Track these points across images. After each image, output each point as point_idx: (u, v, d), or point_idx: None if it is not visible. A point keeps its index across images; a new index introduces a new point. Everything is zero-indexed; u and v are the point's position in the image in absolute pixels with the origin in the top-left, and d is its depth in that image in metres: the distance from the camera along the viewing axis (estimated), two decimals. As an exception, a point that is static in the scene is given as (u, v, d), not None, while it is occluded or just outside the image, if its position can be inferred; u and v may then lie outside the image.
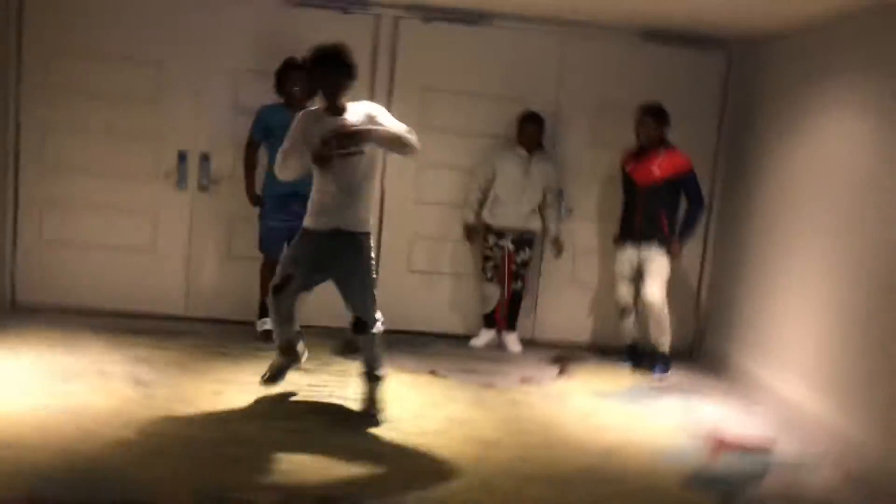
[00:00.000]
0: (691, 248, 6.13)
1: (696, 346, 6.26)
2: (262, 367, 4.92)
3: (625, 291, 5.65)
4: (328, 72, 4.09)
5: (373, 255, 4.26)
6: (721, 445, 4.35)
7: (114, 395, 4.29)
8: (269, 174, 5.18)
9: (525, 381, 5.22)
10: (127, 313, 5.77)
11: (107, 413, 4.03)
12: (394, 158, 5.24)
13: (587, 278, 6.23)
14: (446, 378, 5.11)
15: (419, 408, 4.52)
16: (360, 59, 5.73)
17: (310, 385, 4.74)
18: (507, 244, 5.79)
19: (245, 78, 5.83)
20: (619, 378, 5.47)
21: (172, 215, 5.91)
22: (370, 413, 4.29)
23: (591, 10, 5.46)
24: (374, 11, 5.85)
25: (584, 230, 6.14)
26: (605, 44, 5.98)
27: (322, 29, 5.75)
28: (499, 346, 5.97)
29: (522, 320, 6.06)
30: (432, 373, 5.18)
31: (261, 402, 4.38)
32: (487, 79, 5.95)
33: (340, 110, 4.14)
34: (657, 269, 5.44)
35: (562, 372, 5.51)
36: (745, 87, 5.92)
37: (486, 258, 5.87)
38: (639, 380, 5.46)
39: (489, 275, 5.87)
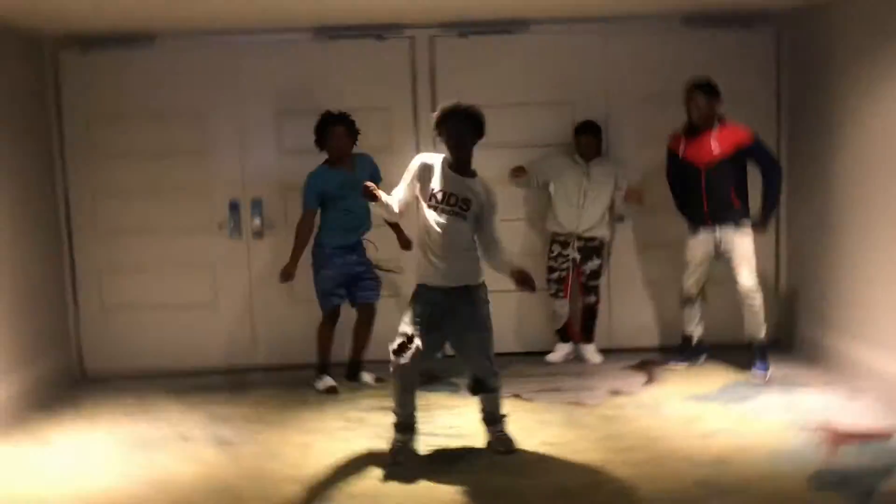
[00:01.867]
0: (765, 238, 5.90)
1: (783, 333, 5.99)
2: (346, 410, 4.82)
3: (692, 280, 5.35)
4: (463, 127, 3.87)
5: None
6: (838, 438, 4.10)
7: (200, 460, 4.16)
8: (324, 229, 5.15)
9: (614, 393, 5.01)
10: (197, 371, 5.67)
11: (197, 480, 3.90)
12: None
13: (655, 276, 6.01)
14: (532, 401, 4.92)
15: (513, 437, 4.33)
16: (400, 82, 5.73)
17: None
18: (573, 254, 5.60)
19: (287, 119, 5.75)
20: (711, 377, 5.22)
21: (230, 265, 5.83)
22: (503, 450, 4.11)
23: (628, 1, 5.27)
24: (409, 34, 5.72)
25: (645, 227, 5.93)
26: (648, 34, 5.79)
27: (358, 59, 5.72)
28: (576, 358, 5.77)
29: (598, 328, 5.85)
30: (516, 396, 4.98)
31: (354, 450, 4.21)
32: (532, 86, 5.78)
33: (469, 171, 3.97)
34: (743, 252, 5.08)
35: (650, 379, 5.29)
36: (799, 60, 5.68)
37: (550, 269, 5.67)
38: (733, 377, 5.21)
39: (553, 290, 5.66)
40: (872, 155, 4.87)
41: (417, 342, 3.87)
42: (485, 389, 4.10)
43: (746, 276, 5.08)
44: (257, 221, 5.76)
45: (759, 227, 5.17)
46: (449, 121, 3.87)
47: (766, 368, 5.16)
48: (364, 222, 5.15)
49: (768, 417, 4.46)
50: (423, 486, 3.75)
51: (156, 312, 5.77)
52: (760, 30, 5.80)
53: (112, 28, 5.36)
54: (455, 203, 3.89)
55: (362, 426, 4.56)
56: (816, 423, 4.33)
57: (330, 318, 5.25)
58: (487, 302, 4.05)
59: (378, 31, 5.67)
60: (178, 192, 5.75)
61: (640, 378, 5.31)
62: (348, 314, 5.36)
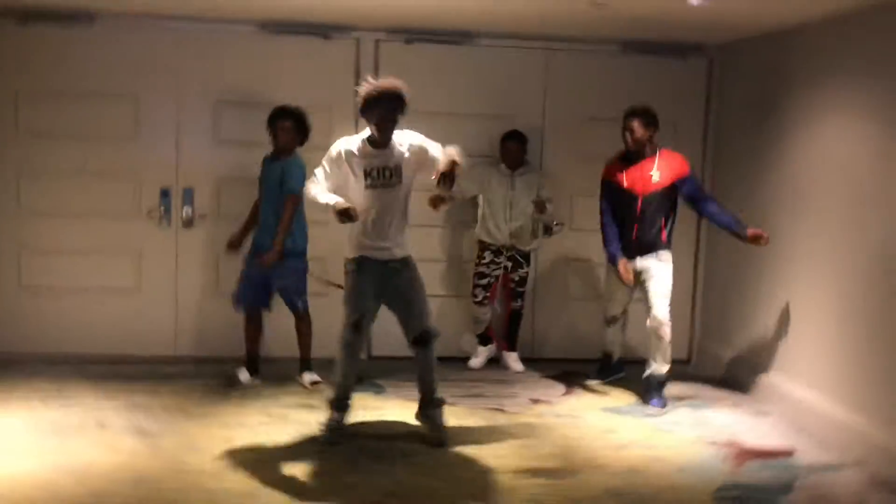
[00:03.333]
0: (683, 253, 6.15)
1: (696, 353, 6.25)
2: (269, 406, 4.82)
3: (615, 304, 5.38)
4: (390, 107, 4.07)
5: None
6: (743, 454, 4.32)
7: (119, 449, 4.11)
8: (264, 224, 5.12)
9: (535, 401, 5.14)
10: (117, 357, 5.57)
11: (115, 470, 3.85)
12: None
13: (580, 289, 6.18)
14: (454, 405, 4.98)
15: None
16: (343, 84, 5.75)
17: (320, 423, 4.58)
18: (504, 261, 5.72)
19: (225, 109, 5.71)
20: (628, 391, 5.40)
21: (157, 253, 5.74)
22: (438, 440, 4.28)
23: (575, 25, 5.44)
24: (355, 35, 5.76)
25: (575, 243, 6.09)
26: (588, 57, 5.98)
27: (303, 55, 5.72)
28: (498, 364, 5.89)
29: (522, 337, 5.99)
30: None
31: (274, 446, 4.22)
32: (473, 98, 5.89)
33: (387, 144, 4.18)
34: (662, 283, 5.05)
35: (569, 390, 5.44)
36: (728, 92, 5.95)
37: (478, 275, 5.76)
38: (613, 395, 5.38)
39: (479, 297, 5.76)
40: (792, 187, 5.13)
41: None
42: (430, 337, 4.33)
43: (661, 307, 5.02)
44: (188, 210, 5.70)
45: (752, 239, 4.94)
46: (380, 104, 4.06)
47: (664, 405, 5.07)
48: (267, 224, 5.09)
49: (679, 432, 4.66)
50: (341, 484, 3.78)
51: (77, 296, 5.65)
52: (694, 60, 6.05)
53: (53, 3, 5.23)
54: (389, 176, 4.15)
55: (284, 423, 4.57)
56: (724, 439, 4.54)
57: (248, 318, 5.25)
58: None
59: (325, 30, 5.68)
60: (108, 175, 5.64)
61: (560, 388, 5.46)
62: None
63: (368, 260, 4.23)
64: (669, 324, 5.05)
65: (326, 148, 5.50)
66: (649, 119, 5.07)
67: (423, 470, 3.99)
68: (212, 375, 5.32)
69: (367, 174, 4.16)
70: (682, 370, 5.98)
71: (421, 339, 4.30)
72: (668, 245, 5.18)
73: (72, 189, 5.61)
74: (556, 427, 4.69)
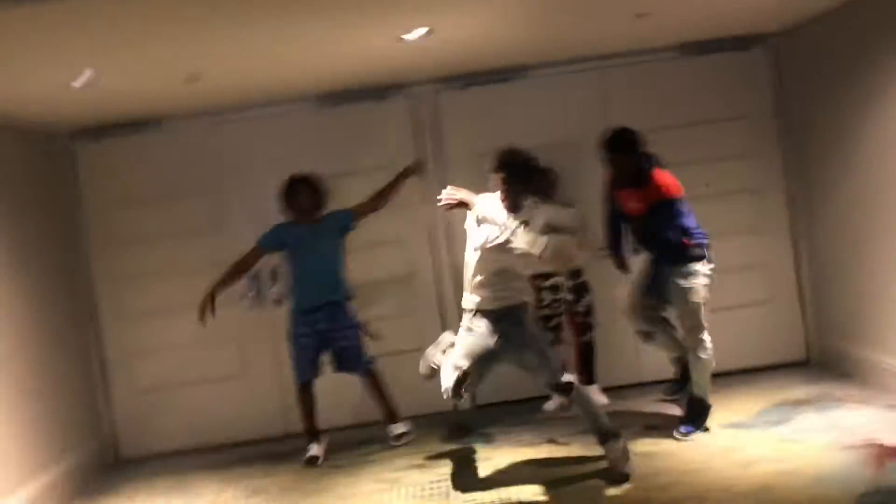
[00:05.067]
0: (782, 248, 5.90)
1: (813, 351, 5.92)
2: (380, 471, 4.79)
3: (635, 313, 4.98)
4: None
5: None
6: (884, 454, 4.02)
7: (243, 535, 4.15)
8: (291, 294, 5.24)
9: (649, 428, 4.94)
10: (230, 444, 5.68)
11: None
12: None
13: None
14: (568, 444, 4.85)
15: (550, 484, 4.27)
16: (404, 140, 5.80)
17: (431, 482, 4.54)
18: (565, 294, 5.51)
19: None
20: (747, 403, 5.14)
21: (256, 336, 5.85)
22: (622, 471, 4.17)
23: (626, 39, 5.35)
24: (410, 92, 5.80)
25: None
26: (646, 67, 5.84)
27: (362, 121, 5.81)
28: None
29: (627, 360, 5.79)
30: (551, 441, 4.93)
31: (390, 511, 4.19)
32: (535, 129, 5.78)
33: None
34: (678, 302, 4.69)
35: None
36: (797, 78, 5.70)
37: (546, 318, 5.36)
38: (769, 401, 5.13)
39: (551, 338, 5.24)
40: (877, 165, 4.84)
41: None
42: (566, 390, 4.28)
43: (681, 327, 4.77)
44: (276, 290, 5.80)
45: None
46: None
47: (694, 429, 4.70)
48: (332, 280, 5.18)
49: (809, 439, 4.39)
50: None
51: (185, 390, 5.80)
52: (756, 51, 5.84)
53: (121, 116, 5.49)
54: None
55: (397, 486, 4.53)
56: (859, 440, 4.25)
57: (301, 390, 5.23)
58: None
59: (380, 91, 5.75)
60: (197, 269, 5.76)
61: (674, 410, 5.23)
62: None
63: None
64: (702, 342, 4.64)
65: (392, 204, 5.60)
66: (628, 147, 4.63)
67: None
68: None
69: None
70: (802, 371, 5.70)
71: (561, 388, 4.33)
72: (689, 257, 4.67)
73: (166, 287, 5.78)
74: (674, 452, 4.49)
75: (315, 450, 5.16)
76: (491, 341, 4.22)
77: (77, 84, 4.14)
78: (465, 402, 4.29)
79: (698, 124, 5.84)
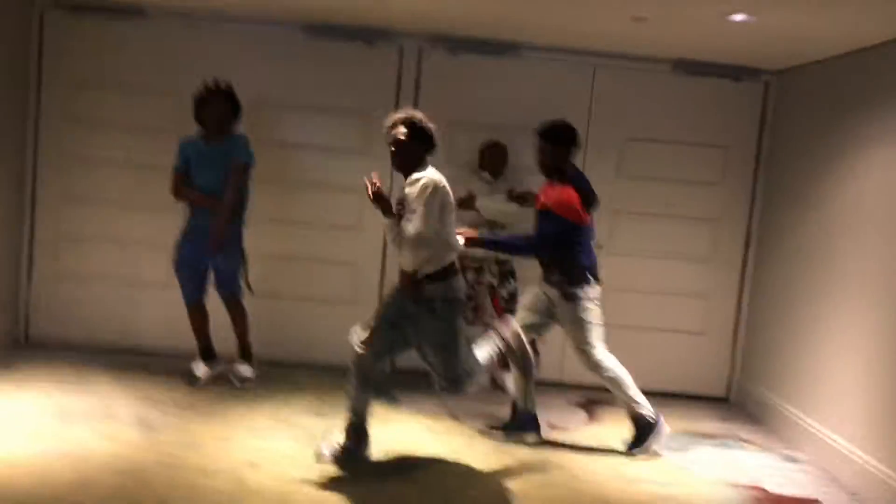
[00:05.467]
0: (728, 284, 5.89)
1: (733, 390, 5.95)
2: (278, 408, 4.76)
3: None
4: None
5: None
6: (763, 501, 4.04)
7: (118, 439, 4.10)
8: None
9: (552, 427, 4.94)
10: (142, 351, 5.61)
11: (110, 459, 3.84)
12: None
13: (617, 318, 5.94)
14: (466, 424, 4.84)
15: (441, 458, 4.27)
16: (385, 92, 5.71)
17: (326, 431, 4.50)
18: (489, 278, 5.45)
19: (266, 109, 5.71)
20: (653, 424, 5.15)
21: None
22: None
23: (622, 41, 5.28)
24: (399, 43, 5.70)
25: (611, 266, 5.87)
26: (637, 75, 5.77)
27: (345, 61, 5.69)
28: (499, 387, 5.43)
29: (550, 359, 5.78)
30: (454, 418, 4.92)
31: (269, 450, 4.14)
32: (515, 111, 5.73)
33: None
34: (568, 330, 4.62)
35: (591, 417, 5.22)
36: (783, 118, 5.67)
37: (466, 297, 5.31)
38: (677, 427, 5.13)
39: (469, 318, 5.17)
40: (842, 220, 4.83)
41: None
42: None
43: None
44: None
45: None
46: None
47: (641, 444, 4.58)
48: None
49: (700, 471, 4.40)
50: (331, 494, 3.67)
51: (110, 286, 5.70)
52: (748, 83, 5.80)
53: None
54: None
55: (289, 427, 4.50)
56: (746, 482, 4.27)
57: (189, 309, 5.16)
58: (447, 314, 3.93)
59: (368, 35, 5.64)
60: (149, 169, 5.65)
61: (581, 416, 5.24)
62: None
63: None
64: (601, 365, 4.58)
65: (363, 151, 5.57)
66: (552, 138, 4.52)
67: (420, 487, 3.85)
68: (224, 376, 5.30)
69: None
70: (718, 407, 5.74)
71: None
72: (567, 282, 4.52)
73: (112, 178, 5.68)
74: (568, 455, 4.48)
75: (199, 370, 5.13)
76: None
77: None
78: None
79: (676, 143, 5.81)
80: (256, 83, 5.66)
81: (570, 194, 4.45)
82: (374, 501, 3.67)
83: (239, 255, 5.14)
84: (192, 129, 5.62)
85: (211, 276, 5.17)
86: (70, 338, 5.62)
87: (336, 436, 4.04)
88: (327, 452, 3.98)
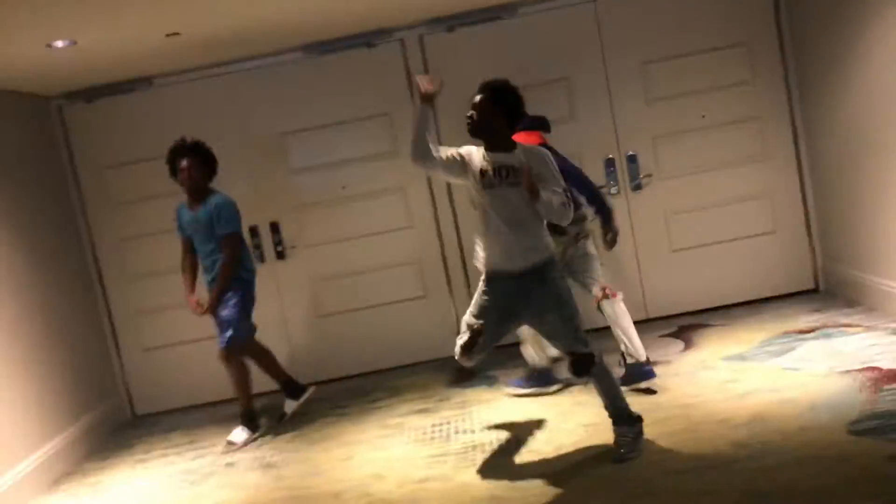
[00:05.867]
0: (787, 177, 5.80)
1: (822, 279, 5.85)
2: (384, 419, 4.86)
3: None
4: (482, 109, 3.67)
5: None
6: (881, 380, 3.98)
7: (245, 485, 4.25)
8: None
9: (650, 363, 4.93)
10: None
11: (243, 506, 3.99)
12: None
13: (685, 241, 5.89)
14: (575, 390, 4.85)
15: (549, 422, 4.32)
16: (397, 87, 5.74)
17: (433, 426, 4.60)
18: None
19: (292, 139, 5.81)
20: (751, 334, 5.11)
21: (260, 289, 5.88)
22: (625, 456, 3.69)
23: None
24: (398, 37, 5.72)
25: (668, 192, 5.82)
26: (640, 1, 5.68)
27: (353, 68, 5.74)
28: None
29: (634, 297, 5.76)
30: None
31: (389, 458, 4.25)
32: (529, 68, 5.68)
33: (508, 147, 3.71)
34: None
35: (687, 345, 5.20)
36: (799, 4, 5.51)
37: None
38: (771, 331, 5.10)
39: None
40: (880, 85, 4.69)
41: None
42: (583, 368, 3.73)
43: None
44: (278, 242, 5.84)
45: None
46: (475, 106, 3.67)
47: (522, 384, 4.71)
48: (212, 266, 4.85)
49: (808, 368, 4.36)
50: (459, 485, 3.76)
51: (192, 346, 5.86)
52: (755, -24, 5.67)
53: (109, 77, 5.50)
54: (506, 175, 3.61)
55: (401, 430, 4.61)
56: (858, 366, 4.21)
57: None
58: (563, 277, 3.80)
59: (367, 38, 5.68)
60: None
61: (677, 346, 5.23)
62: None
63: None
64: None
65: (390, 153, 5.64)
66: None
67: (540, 457, 3.91)
68: (328, 397, 5.44)
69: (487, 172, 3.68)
70: (810, 299, 5.65)
71: (574, 367, 3.79)
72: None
73: (166, 245, 5.78)
74: (673, 387, 4.48)
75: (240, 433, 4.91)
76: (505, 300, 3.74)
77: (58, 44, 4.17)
78: (475, 363, 3.87)
79: (696, 53, 5.71)
80: (275, 116, 5.77)
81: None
82: (504, 484, 3.72)
83: (238, 306, 4.86)
84: (224, 180, 5.73)
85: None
86: (171, 405, 5.84)
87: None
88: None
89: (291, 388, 5.16)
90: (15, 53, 4.38)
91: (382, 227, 5.83)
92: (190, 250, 4.97)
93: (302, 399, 5.14)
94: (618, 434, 3.78)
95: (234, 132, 5.79)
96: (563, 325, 3.71)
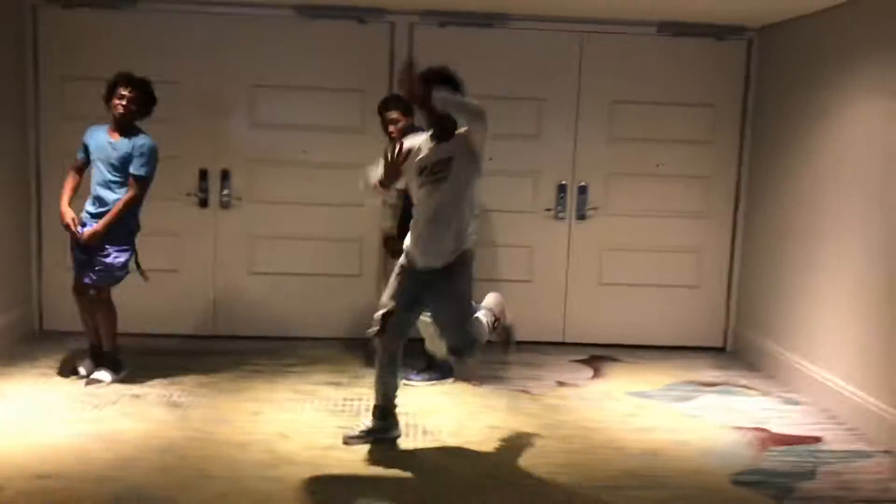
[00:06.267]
0: (720, 238, 6.09)
1: (730, 339, 6.19)
2: (297, 383, 4.93)
3: None
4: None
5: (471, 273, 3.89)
6: (768, 441, 4.27)
7: (150, 419, 4.25)
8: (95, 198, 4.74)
9: (560, 384, 5.15)
10: (155, 335, 5.75)
11: (145, 438, 3.99)
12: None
13: (614, 277, 6.14)
14: (479, 386, 5.04)
15: (459, 419, 4.46)
16: (378, 68, 5.82)
17: (345, 399, 4.69)
18: None
19: (261, 93, 5.82)
20: (657, 376, 5.38)
21: (196, 234, 5.89)
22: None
23: (608, 7, 5.41)
24: (390, 19, 5.80)
25: (609, 228, 6.06)
26: (623, 39, 5.91)
27: (339, 39, 5.79)
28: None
29: (555, 320, 6.04)
30: (466, 381, 5.11)
31: (299, 421, 4.32)
32: (506, 80, 5.87)
33: (450, 134, 3.81)
34: None
35: (596, 373, 5.43)
36: (768, 74, 5.83)
37: None
38: (677, 377, 5.38)
39: None
40: (823, 172, 5.03)
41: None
42: (462, 357, 4.02)
43: None
44: (225, 192, 5.84)
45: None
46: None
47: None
48: (99, 198, 4.72)
49: (705, 417, 4.63)
50: (361, 459, 3.86)
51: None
52: (732, 41, 5.95)
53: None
54: (434, 171, 3.70)
55: (311, 398, 4.68)
56: (750, 425, 4.50)
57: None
58: (470, 275, 3.87)
59: (359, 13, 5.74)
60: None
61: (587, 372, 5.45)
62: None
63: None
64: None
65: (357, 129, 5.69)
66: (407, 107, 4.68)
67: (443, 449, 4.05)
68: (246, 353, 5.48)
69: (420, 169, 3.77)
70: (716, 356, 5.97)
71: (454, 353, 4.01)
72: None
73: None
74: (578, 409, 4.69)
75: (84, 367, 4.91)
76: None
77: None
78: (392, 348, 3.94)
79: (665, 105, 5.97)
80: (250, 66, 5.78)
81: None
82: (403, 463, 3.85)
83: (124, 265, 4.80)
84: (188, 117, 5.75)
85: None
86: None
87: (364, 420, 4.11)
88: (354, 435, 4.02)
89: (112, 360, 4.90)
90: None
91: (333, 200, 5.87)
92: (79, 173, 4.79)
93: (117, 377, 4.82)
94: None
95: (206, 73, 5.77)
96: (455, 322, 3.84)
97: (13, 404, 4.41)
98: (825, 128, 5.06)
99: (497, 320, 4.05)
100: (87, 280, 4.76)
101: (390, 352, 3.93)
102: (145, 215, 5.82)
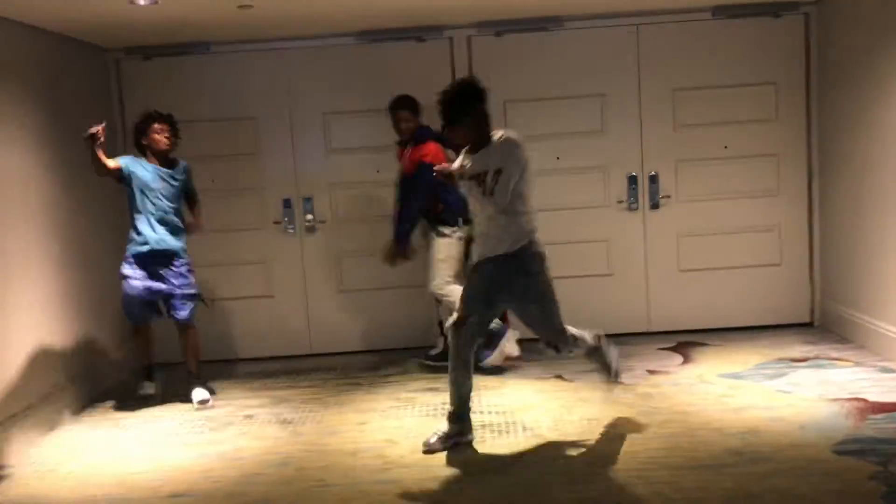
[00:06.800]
0: (797, 213, 6.09)
1: (817, 314, 6.16)
2: (397, 391, 5.14)
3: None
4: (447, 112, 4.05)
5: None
6: (866, 410, 4.29)
7: (264, 436, 4.51)
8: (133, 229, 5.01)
9: (652, 372, 5.24)
10: (259, 358, 6.06)
11: (262, 454, 4.25)
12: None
13: (693, 263, 6.19)
14: (573, 381, 5.17)
15: (555, 413, 4.60)
16: (441, 85, 5.95)
17: (443, 403, 4.85)
18: None
19: (334, 120, 6.09)
20: (747, 356, 5.42)
21: (285, 259, 6.17)
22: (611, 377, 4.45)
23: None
24: (448, 35, 6.00)
25: (685, 213, 6.12)
26: (679, 27, 5.98)
27: (401, 60, 6.01)
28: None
29: (638, 310, 6.14)
30: (558, 377, 5.25)
31: (404, 427, 4.52)
32: (566, 80, 6.01)
33: (484, 145, 4.07)
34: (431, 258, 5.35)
35: (686, 359, 5.50)
36: (828, 45, 5.82)
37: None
38: (766, 356, 5.42)
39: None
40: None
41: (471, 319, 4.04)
42: (559, 351, 4.37)
43: (432, 279, 5.31)
44: (309, 217, 6.11)
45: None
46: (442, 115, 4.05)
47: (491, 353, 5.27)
48: (173, 228, 5.07)
49: (799, 392, 4.66)
50: (467, 458, 4.04)
51: (218, 304, 6.12)
52: (789, 18, 5.96)
53: (171, 39, 5.77)
54: (476, 179, 4.01)
55: (412, 404, 4.89)
56: (846, 396, 4.52)
57: (134, 331, 5.33)
58: (541, 272, 4.05)
59: (418, 32, 5.95)
60: (236, 191, 6.11)
61: (676, 359, 5.52)
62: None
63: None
64: (441, 293, 5.27)
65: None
66: (414, 107, 5.39)
67: (546, 443, 4.19)
68: (344, 368, 5.75)
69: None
70: (804, 332, 5.97)
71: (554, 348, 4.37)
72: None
73: (205, 207, 6.06)
74: (672, 395, 4.78)
75: (148, 387, 5.27)
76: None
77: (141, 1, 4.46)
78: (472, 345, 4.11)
79: (725, 87, 6.01)
80: (320, 95, 6.04)
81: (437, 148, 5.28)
82: (506, 458, 4.01)
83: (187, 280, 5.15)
84: (268, 150, 6.04)
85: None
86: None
87: (440, 426, 4.24)
88: (433, 441, 4.14)
89: (205, 381, 5.28)
90: (98, 6, 4.63)
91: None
92: (114, 168, 4.91)
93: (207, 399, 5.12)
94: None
95: (280, 106, 6.06)
96: (539, 320, 4.13)
97: (136, 432, 4.72)
98: (891, 95, 5.04)
99: (598, 349, 4.38)
100: (179, 316, 5.11)
101: (464, 356, 4.07)
102: (236, 245, 6.19)
